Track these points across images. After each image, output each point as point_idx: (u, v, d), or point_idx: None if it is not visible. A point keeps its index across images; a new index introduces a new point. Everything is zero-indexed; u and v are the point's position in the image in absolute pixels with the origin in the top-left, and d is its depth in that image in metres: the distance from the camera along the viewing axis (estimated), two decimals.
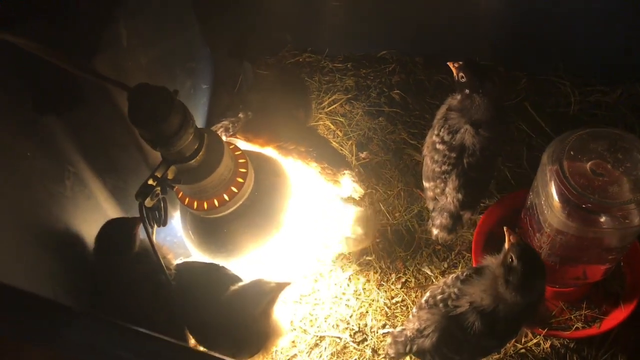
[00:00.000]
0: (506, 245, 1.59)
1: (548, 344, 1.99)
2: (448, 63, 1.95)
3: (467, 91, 1.90)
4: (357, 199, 2.26)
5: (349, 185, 2.17)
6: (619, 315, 1.93)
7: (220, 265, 1.87)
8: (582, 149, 1.66)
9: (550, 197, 1.67)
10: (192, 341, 1.85)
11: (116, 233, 1.72)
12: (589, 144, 1.67)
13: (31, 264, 1.51)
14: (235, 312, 1.70)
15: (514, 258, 1.55)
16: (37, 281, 1.50)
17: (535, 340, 2.00)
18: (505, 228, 1.62)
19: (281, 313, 1.86)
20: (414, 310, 1.77)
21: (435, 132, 1.97)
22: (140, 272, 1.73)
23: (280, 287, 1.71)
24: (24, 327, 1.02)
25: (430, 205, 2.04)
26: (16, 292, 1.10)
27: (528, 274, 1.55)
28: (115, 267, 1.71)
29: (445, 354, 1.67)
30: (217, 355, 1.08)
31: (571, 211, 1.63)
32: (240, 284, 1.77)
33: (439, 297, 1.68)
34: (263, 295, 1.69)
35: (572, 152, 1.66)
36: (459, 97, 1.94)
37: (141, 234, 1.73)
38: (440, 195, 1.99)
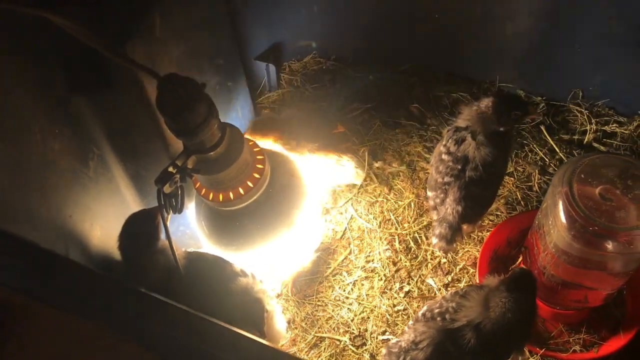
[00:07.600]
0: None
1: None
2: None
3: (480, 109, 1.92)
4: (359, 184, 2.29)
5: (350, 169, 2.21)
6: (617, 342, 1.95)
7: (229, 261, 1.89)
8: (593, 173, 1.70)
9: (557, 218, 1.70)
10: None
11: (142, 226, 1.73)
12: (600, 168, 1.71)
13: (50, 240, 1.56)
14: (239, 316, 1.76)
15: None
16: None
17: None
18: None
19: (278, 324, 1.96)
20: (411, 322, 1.79)
21: (443, 142, 2.00)
22: (161, 265, 1.76)
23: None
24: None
25: (434, 216, 2.07)
26: None
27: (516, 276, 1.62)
28: (140, 260, 1.74)
29: None
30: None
31: (577, 233, 1.66)
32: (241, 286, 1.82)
33: (436, 310, 1.69)
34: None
35: (582, 175, 1.69)
36: (466, 112, 1.96)
37: None
38: (440, 205, 2.01)
